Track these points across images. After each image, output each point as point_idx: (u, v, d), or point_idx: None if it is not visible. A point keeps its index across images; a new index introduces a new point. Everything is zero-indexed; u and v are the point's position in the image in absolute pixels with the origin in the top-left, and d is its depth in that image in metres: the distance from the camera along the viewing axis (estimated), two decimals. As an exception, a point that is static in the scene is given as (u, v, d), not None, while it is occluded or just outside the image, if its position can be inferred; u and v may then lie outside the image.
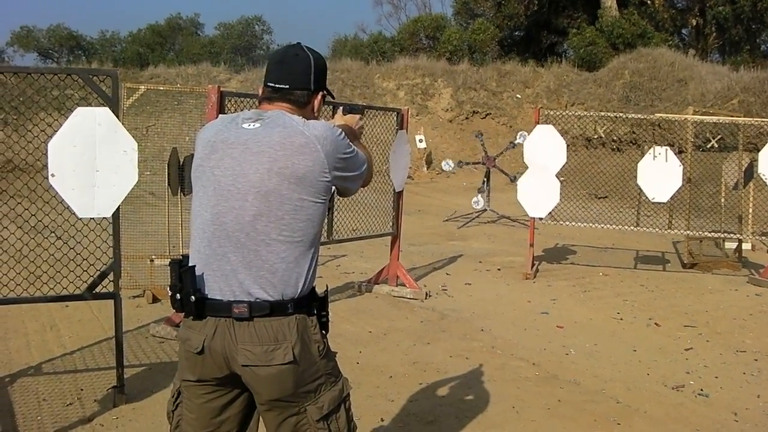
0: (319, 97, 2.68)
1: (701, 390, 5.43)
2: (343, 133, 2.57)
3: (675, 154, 9.42)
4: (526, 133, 11.49)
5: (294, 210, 2.45)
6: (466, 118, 24.32)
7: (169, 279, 2.52)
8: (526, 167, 9.44)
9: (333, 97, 2.93)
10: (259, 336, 2.40)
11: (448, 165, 14.84)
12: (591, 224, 10.29)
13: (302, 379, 2.44)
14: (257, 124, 2.50)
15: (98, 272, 4.77)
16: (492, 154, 15.41)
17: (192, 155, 2.73)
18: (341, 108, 3.07)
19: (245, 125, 2.52)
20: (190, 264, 2.49)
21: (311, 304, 2.52)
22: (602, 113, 15.73)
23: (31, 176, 5.04)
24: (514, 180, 14.01)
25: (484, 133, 17.03)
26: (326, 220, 6.41)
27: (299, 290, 2.46)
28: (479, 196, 14.64)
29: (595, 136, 18.84)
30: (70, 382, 5.26)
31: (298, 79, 2.62)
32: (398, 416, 4.84)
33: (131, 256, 7.51)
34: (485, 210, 14.56)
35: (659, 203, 9.70)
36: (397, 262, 8.38)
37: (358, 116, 2.99)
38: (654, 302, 8.18)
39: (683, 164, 9.46)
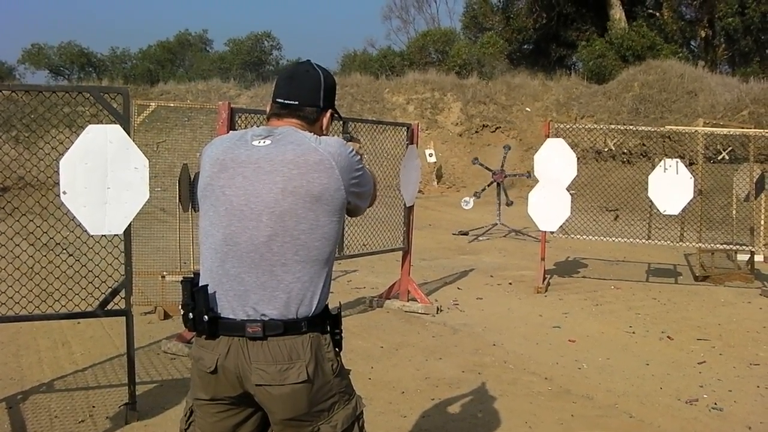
0: (328, 114, 2.67)
1: (715, 404, 5.40)
2: (354, 150, 2.57)
3: (686, 166, 9.39)
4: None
5: (310, 229, 2.43)
6: (476, 131, 24.33)
7: (180, 295, 2.50)
8: (537, 181, 9.43)
9: (341, 117, 2.92)
10: (272, 355, 2.39)
11: (467, 204, 14.78)
12: (602, 237, 10.26)
13: (316, 398, 2.43)
14: (268, 141, 2.48)
15: (110, 289, 4.78)
16: (507, 171, 15.37)
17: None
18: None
19: (255, 142, 2.49)
20: (201, 283, 2.48)
21: (325, 322, 2.50)
22: (612, 126, 15.74)
23: (43, 193, 5.07)
24: (509, 204, 14.10)
25: (491, 146, 17.01)
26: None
27: (313, 309, 2.45)
28: (471, 198, 14.64)
29: (605, 149, 18.80)
30: (82, 399, 5.26)
31: (308, 96, 2.60)
32: (411, 432, 4.83)
33: (143, 272, 7.52)
34: (496, 224, 14.56)
35: (670, 216, 9.66)
36: (408, 277, 8.37)
37: (357, 145, 2.98)
38: (666, 315, 8.14)
39: (694, 176, 9.42)
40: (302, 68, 2.66)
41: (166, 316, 7.54)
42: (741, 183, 10.19)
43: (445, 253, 12.39)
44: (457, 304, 8.50)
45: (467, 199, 14.66)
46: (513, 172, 16.21)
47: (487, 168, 15.86)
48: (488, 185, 15.33)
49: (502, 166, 15.36)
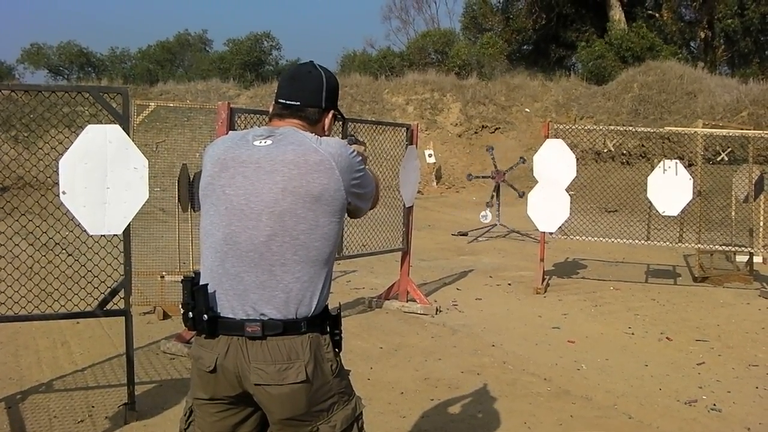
0: (330, 115, 2.66)
1: (714, 405, 5.40)
2: (355, 151, 2.56)
3: (685, 167, 9.39)
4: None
5: (310, 229, 2.43)
6: (476, 132, 24.35)
7: (179, 295, 2.50)
8: (536, 182, 9.42)
9: (344, 118, 2.92)
10: (272, 355, 2.38)
11: (486, 217, 14.78)
12: (601, 238, 10.26)
13: (315, 398, 2.43)
14: (269, 141, 2.48)
15: (109, 289, 4.77)
16: (501, 168, 15.40)
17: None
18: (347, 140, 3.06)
19: (256, 142, 2.49)
20: (201, 282, 2.47)
21: (324, 323, 2.49)
22: (611, 127, 15.76)
23: (43, 193, 5.06)
24: (522, 196, 14.05)
25: (493, 147, 17.01)
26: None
27: (313, 309, 2.44)
28: (487, 210, 14.65)
29: (605, 150, 18.80)
30: (81, 399, 5.26)
31: (310, 97, 2.60)
32: (410, 433, 4.83)
33: (142, 272, 7.52)
34: (495, 225, 14.56)
35: (669, 217, 9.66)
36: (407, 278, 8.37)
37: (362, 148, 2.98)
38: (665, 316, 8.15)
39: (693, 177, 9.42)
40: (304, 69, 2.65)
41: (166, 316, 7.53)
42: (740, 184, 10.19)
43: (444, 254, 12.39)
44: (456, 305, 8.50)
45: (485, 213, 14.66)
46: (508, 166, 16.18)
47: (483, 177, 15.86)
48: (494, 190, 15.32)
49: (496, 167, 15.36)
